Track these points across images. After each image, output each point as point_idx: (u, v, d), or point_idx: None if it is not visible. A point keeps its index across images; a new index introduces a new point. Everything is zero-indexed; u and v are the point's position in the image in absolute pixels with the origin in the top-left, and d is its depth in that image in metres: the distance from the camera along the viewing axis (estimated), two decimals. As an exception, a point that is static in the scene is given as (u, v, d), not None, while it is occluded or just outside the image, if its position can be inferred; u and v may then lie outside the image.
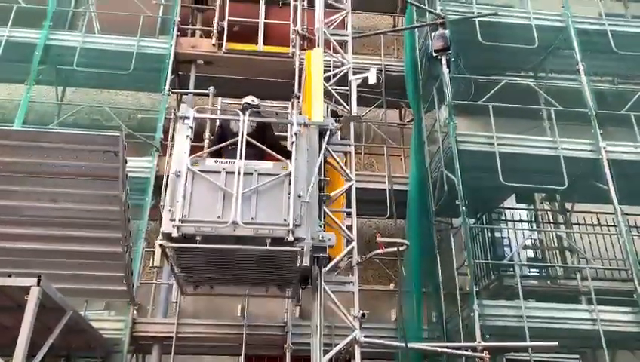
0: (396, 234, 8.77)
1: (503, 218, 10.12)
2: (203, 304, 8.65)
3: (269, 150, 5.90)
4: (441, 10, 9.05)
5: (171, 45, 9.42)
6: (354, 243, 6.26)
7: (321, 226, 5.84)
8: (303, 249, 5.37)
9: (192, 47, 9.79)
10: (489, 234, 9.64)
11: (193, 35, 10.34)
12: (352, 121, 6.96)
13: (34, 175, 5.27)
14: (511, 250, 9.46)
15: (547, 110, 9.15)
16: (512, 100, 8.55)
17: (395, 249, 6.25)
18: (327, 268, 6.00)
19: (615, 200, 7.87)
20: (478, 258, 9.21)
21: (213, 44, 9.64)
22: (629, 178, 8.16)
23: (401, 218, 8.88)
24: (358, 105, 6.93)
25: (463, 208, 7.60)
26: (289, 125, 6.10)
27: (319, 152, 6.08)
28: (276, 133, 6.79)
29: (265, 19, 9.63)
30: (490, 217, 9.98)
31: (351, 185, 6.54)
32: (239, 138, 5.76)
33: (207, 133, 8.25)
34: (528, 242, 9.91)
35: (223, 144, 6.08)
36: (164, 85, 9.04)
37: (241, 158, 5.63)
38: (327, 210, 6.12)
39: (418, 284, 8.06)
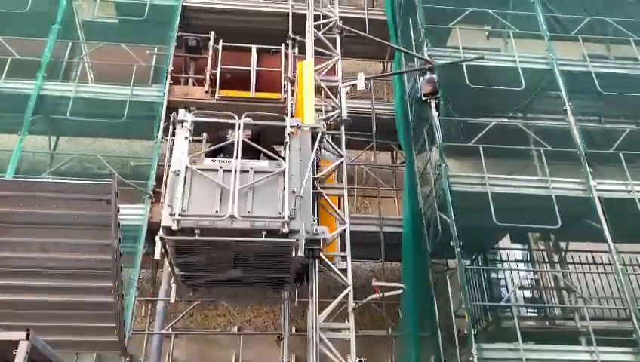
0: (391, 277, 8.68)
1: (499, 258, 10.06)
2: (196, 354, 8.45)
3: (264, 149, 6.12)
4: (429, 55, 9.25)
5: (164, 93, 9.50)
6: (349, 289, 6.20)
7: (314, 221, 6.05)
8: (297, 241, 5.54)
9: (184, 94, 9.87)
10: (485, 275, 9.55)
11: (186, 82, 10.46)
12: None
13: (24, 225, 5.21)
14: (507, 291, 9.36)
15: (537, 150, 9.25)
16: (501, 141, 8.65)
17: (393, 292, 6.21)
18: (323, 315, 5.94)
19: (609, 239, 7.86)
20: (474, 299, 9.10)
21: (206, 92, 9.72)
22: (621, 216, 8.18)
23: (396, 260, 8.81)
24: (349, 148, 7.03)
25: (458, 250, 7.56)
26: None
27: (312, 153, 6.34)
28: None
29: (257, 66, 9.79)
30: (486, 258, 9.92)
31: (345, 228, 6.53)
32: (235, 140, 6.01)
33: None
34: (525, 282, 9.82)
35: (219, 145, 6.31)
36: (157, 133, 9.10)
37: (237, 158, 5.83)
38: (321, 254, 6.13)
39: (415, 328, 7.93)
